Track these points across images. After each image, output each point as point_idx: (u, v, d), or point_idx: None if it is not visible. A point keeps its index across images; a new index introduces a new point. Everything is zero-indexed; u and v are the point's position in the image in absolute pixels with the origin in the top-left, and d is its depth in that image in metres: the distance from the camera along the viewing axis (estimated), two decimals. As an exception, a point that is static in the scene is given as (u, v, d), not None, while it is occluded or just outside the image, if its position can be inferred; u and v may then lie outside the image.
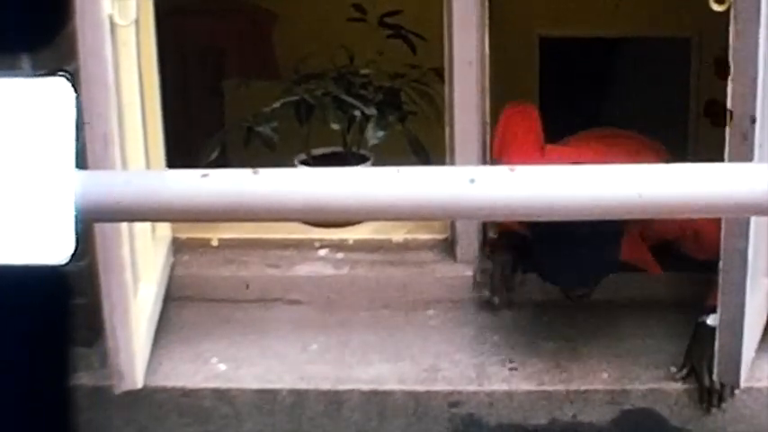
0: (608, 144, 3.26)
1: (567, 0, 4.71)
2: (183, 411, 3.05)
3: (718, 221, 2.76)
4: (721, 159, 2.64)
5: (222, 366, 3.12)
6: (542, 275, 3.09)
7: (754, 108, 2.61)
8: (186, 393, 3.05)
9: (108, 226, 2.62)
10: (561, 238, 2.84)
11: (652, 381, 3.01)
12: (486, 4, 3.28)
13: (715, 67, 2.84)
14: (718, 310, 2.83)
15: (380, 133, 3.46)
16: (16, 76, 1.06)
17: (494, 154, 3.29)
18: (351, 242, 3.51)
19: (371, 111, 3.49)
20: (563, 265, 2.94)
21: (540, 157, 3.18)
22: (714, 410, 2.97)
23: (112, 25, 2.70)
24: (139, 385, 2.95)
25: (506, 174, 1.15)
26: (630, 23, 4.62)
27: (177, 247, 3.48)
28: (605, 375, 3.03)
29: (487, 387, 3.03)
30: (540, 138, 3.29)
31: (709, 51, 4.14)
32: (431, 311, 3.33)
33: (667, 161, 3.13)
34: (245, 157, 3.44)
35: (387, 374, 3.08)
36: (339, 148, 3.67)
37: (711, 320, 2.90)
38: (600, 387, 3.02)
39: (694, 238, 3.03)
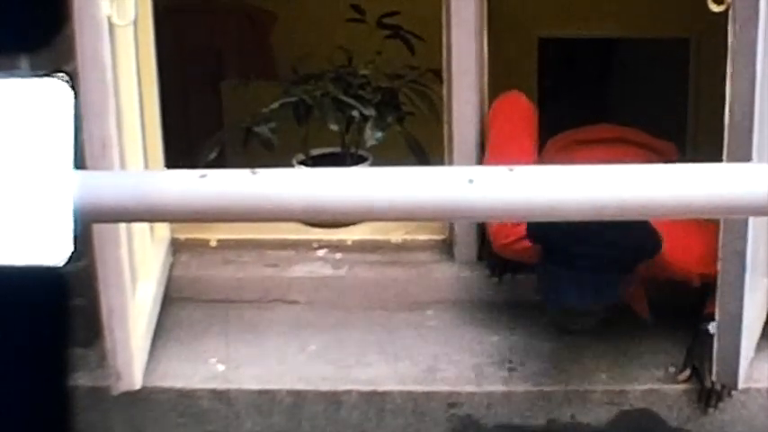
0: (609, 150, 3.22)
1: (566, 1, 4.71)
2: (182, 412, 3.05)
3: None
4: (720, 160, 2.64)
5: (221, 367, 3.12)
6: (544, 295, 2.96)
7: (753, 108, 2.61)
8: (184, 394, 3.05)
9: (106, 227, 2.62)
10: (569, 258, 2.76)
11: (650, 381, 3.01)
12: (485, 4, 3.28)
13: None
14: (717, 310, 2.82)
15: (379, 134, 3.46)
16: (14, 76, 1.06)
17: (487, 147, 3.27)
18: (349, 243, 3.51)
19: (370, 111, 3.49)
20: (564, 283, 2.81)
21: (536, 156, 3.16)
22: (712, 411, 2.97)
23: (111, 26, 2.70)
24: (138, 386, 2.95)
25: (505, 174, 1.15)
26: (630, 24, 4.62)
27: (176, 247, 3.48)
28: (603, 376, 3.03)
29: (486, 388, 3.03)
30: (535, 133, 3.28)
31: (708, 51, 4.14)
32: (429, 312, 3.33)
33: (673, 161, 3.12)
34: (243, 158, 3.44)
35: (385, 375, 3.07)
36: (337, 149, 3.67)
37: (712, 328, 2.89)
38: (598, 388, 3.02)
39: (700, 279, 2.94)
